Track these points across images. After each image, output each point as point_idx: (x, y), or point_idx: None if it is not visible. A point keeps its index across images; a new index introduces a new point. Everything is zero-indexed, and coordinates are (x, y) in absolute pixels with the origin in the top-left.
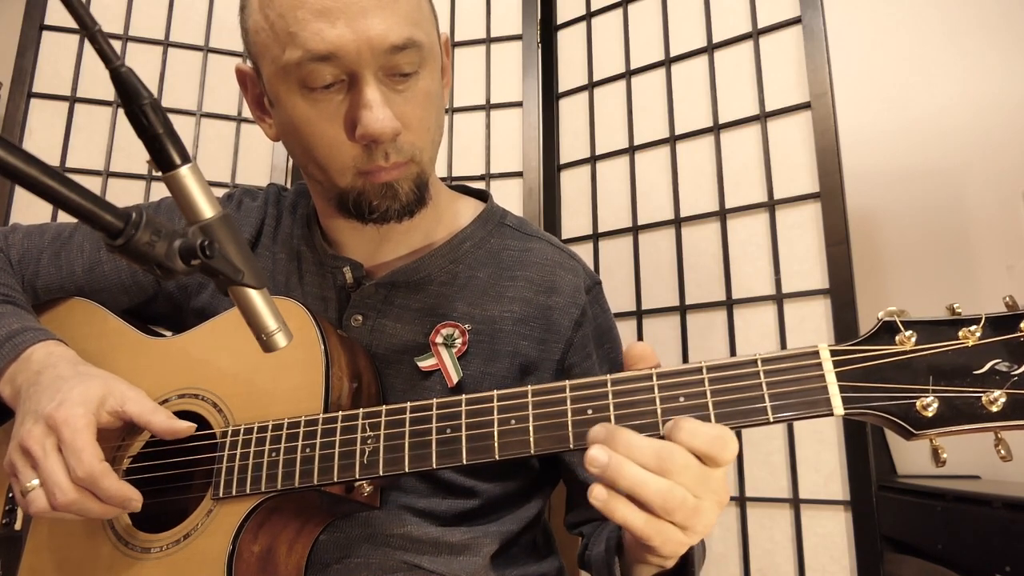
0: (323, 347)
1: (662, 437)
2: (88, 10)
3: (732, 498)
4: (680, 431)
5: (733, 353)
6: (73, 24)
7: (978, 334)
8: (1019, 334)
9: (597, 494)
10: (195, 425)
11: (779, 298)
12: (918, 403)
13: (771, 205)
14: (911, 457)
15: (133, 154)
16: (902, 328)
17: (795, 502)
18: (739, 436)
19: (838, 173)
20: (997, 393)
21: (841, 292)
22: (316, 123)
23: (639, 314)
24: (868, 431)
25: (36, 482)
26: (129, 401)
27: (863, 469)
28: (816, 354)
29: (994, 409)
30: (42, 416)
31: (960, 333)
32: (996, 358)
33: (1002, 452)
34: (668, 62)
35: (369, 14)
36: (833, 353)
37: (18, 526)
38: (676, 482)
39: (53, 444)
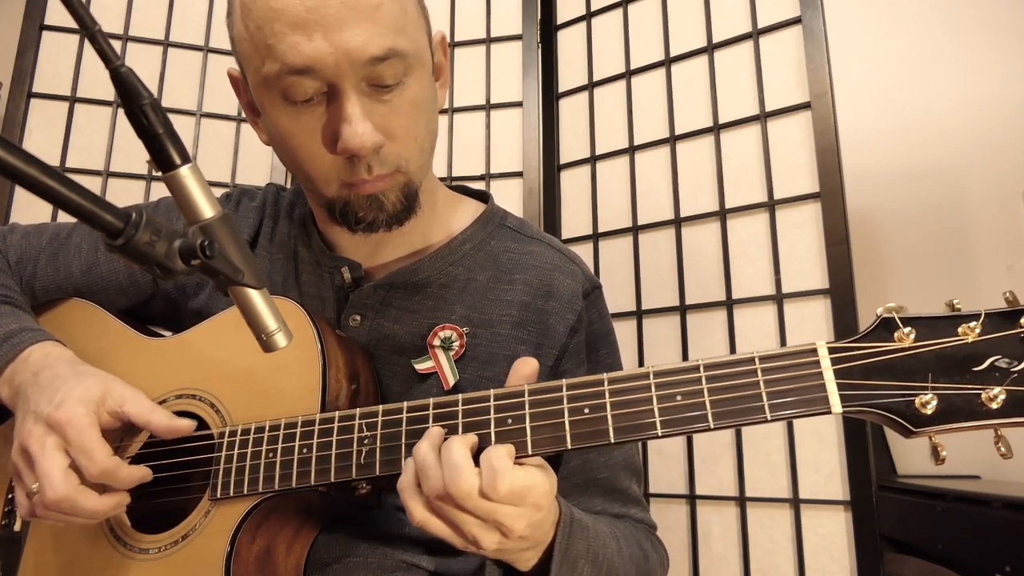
0: (320, 347)
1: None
2: (88, 10)
3: (732, 498)
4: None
5: (733, 353)
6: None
7: (978, 330)
8: (1019, 330)
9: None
10: (195, 423)
11: (779, 298)
12: (917, 400)
13: (771, 205)
14: (911, 457)
15: (133, 154)
16: (901, 324)
17: (795, 502)
18: (739, 435)
19: (838, 173)
20: (997, 390)
21: (841, 292)
22: (298, 136)
23: (639, 314)
24: (868, 431)
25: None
26: (128, 401)
27: (863, 469)
28: (814, 351)
29: (994, 406)
30: (42, 417)
31: (960, 329)
32: (996, 354)
33: (1002, 449)
34: (668, 62)
35: (347, 25)
36: (831, 350)
37: (17, 527)
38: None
39: (54, 443)
